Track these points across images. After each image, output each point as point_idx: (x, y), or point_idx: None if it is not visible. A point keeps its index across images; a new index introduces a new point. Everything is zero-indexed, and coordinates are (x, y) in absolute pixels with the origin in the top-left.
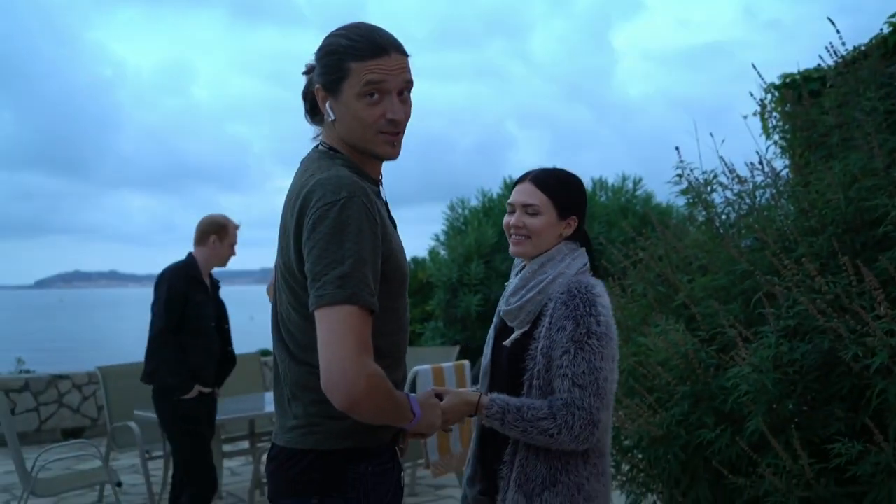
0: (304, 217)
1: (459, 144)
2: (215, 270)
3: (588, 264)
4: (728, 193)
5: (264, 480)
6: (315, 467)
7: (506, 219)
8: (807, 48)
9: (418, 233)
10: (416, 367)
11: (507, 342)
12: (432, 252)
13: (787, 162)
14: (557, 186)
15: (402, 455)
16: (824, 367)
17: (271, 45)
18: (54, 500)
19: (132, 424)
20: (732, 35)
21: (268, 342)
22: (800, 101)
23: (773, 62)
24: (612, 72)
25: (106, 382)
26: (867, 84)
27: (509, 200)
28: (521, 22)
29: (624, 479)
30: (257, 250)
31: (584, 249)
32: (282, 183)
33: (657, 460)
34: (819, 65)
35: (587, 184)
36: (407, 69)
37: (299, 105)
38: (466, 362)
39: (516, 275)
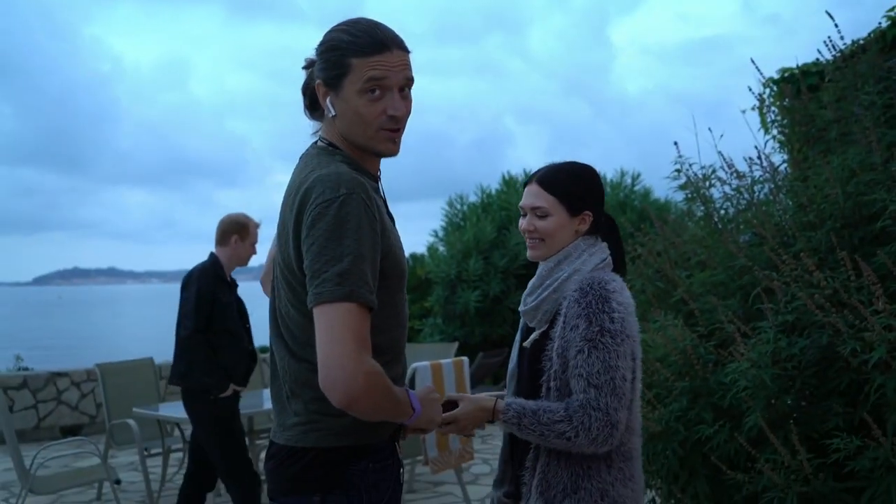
0: (303, 213)
1: (458, 140)
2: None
3: (608, 258)
4: (726, 188)
5: (263, 477)
6: (316, 465)
7: (520, 222)
8: (806, 42)
9: (417, 229)
10: (415, 364)
11: (526, 343)
12: (431, 248)
13: (786, 157)
14: (565, 184)
15: (401, 451)
16: (822, 362)
17: (269, 40)
18: (53, 497)
19: (131, 422)
20: (731, 29)
21: (266, 339)
22: (798, 95)
23: (772, 57)
24: (610, 67)
25: (104, 379)
26: (865, 78)
27: (520, 204)
28: (520, 17)
29: None
30: (257, 246)
31: (604, 244)
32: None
33: (656, 456)
34: (817, 59)
35: None
36: (408, 66)
37: (298, 100)
38: (465, 359)
39: None
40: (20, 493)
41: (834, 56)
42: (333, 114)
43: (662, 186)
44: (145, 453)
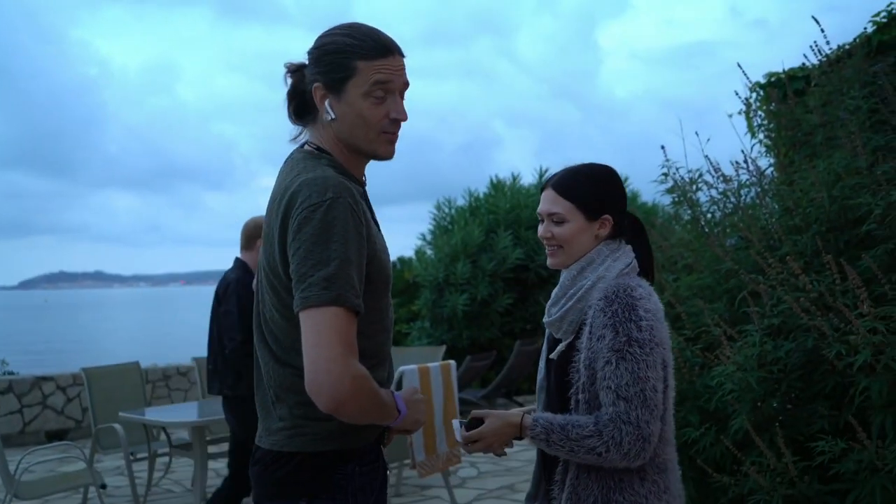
0: (289, 218)
1: (446, 144)
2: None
3: (633, 263)
4: (713, 192)
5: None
6: (302, 469)
7: (538, 229)
8: (792, 47)
9: (405, 232)
10: (402, 367)
11: (552, 355)
12: (419, 252)
13: (772, 161)
14: (581, 188)
15: (385, 453)
16: (808, 365)
17: (257, 43)
18: (38, 502)
19: (117, 426)
20: (718, 34)
21: None
22: (784, 99)
23: (759, 61)
24: (598, 71)
25: (90, 384)
26: (851, 83)
27: (537, 210)
28: (508, 20)
29: None
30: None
31: (629, 247)
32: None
33: None
34: (804, 64)
35: None
36: (405, 70)
37: (284, 104)
38: (452, 362)
39: None
40: (5, 498)
41: (820, 61)
42: (333, 117)
43: (650, 190)
44: (131, 458)
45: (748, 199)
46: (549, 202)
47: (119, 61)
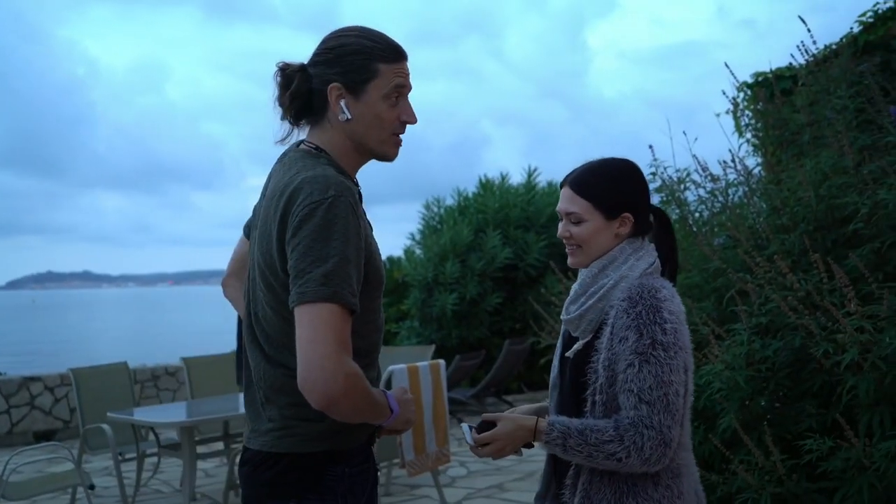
0: (289, 214)
1: (435, 143)
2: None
3: (656, 262)
4: (701, 191)
5: (238, 482)
6: (291, 470)
7: (558, 227)
8: (780, 47)
9: (394, 231)
10: (391, 367)
11: (569, 353)
12: (408, 251)
13: (760, 160)
14: (599, 186)
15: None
16: (796, 363)
17: (245, 43)
18: (26, 503)
19: (105, 426)
20: (706, 34)
21: None
22: (772, 99)
23: (747, 61)
24: (586, 71)
25: (78, 384)
26: (838, 83)
27: (557, 207)
28: (496, 20)
29: None
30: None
31: (651, 246)
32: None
33: None
34: (791, 63)
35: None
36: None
37: (275, 103)
38: (442, 361)
39: None
40: None
41: (807, 60)
42: (349, 117)
43: None
44: (120, 458)
45: (736, 199)
46: (566, 201)
47: (107, 61)
